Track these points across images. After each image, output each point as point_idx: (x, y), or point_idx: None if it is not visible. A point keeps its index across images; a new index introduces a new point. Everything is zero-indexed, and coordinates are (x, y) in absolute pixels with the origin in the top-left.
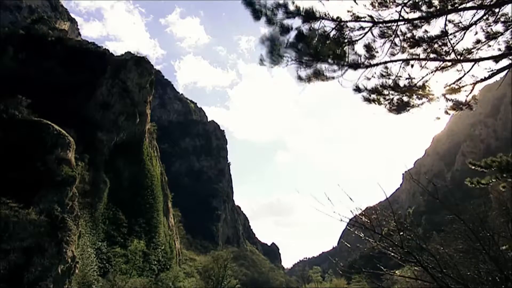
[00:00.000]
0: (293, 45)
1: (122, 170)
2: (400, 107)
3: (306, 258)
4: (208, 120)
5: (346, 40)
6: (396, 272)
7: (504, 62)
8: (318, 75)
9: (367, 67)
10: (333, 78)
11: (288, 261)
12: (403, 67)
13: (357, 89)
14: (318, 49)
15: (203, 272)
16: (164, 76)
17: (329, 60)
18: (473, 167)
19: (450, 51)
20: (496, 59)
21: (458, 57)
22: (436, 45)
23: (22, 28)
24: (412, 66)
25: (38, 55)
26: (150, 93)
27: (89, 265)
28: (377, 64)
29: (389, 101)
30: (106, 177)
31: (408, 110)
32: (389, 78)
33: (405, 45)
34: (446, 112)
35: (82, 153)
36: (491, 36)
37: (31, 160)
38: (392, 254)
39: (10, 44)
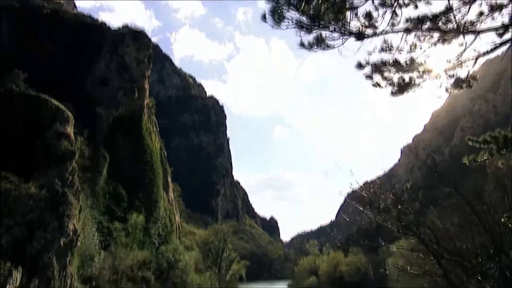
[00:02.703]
0: (295, 5)
1: (122, 145)
2: (402, 88)
3: (304, 231)
4: (207, 95)
5: (347, 5)
6: (393, 245)
7: (507, 36)
8: (319, 42)
9: (368, 36)
10: (334, 46)
11: (286, 234)
12: (405, 40)
13: (360, 66)
14: (319, 11)
15: (203, 246)
16: (162, 51)
17: (330, 27)
18: (471, 143)
19: (453, 24)
20: (499, 30)
21: (461, 28)
22: (440, 21)
23: (16, 1)
24: (413, 37)
25: (33, 29)
26: (148, 68)
27: (90, 238)
28: (378, 34)
29: (390, 82)
30: (106, 152)
31: (410, 90)
32: (390, 53)
33: (407, 16)
34: (447, 90)
35: (81, 128)
36: (495, 8)
37: (30, 135)
38: (390, 227)
39: (5, 16)
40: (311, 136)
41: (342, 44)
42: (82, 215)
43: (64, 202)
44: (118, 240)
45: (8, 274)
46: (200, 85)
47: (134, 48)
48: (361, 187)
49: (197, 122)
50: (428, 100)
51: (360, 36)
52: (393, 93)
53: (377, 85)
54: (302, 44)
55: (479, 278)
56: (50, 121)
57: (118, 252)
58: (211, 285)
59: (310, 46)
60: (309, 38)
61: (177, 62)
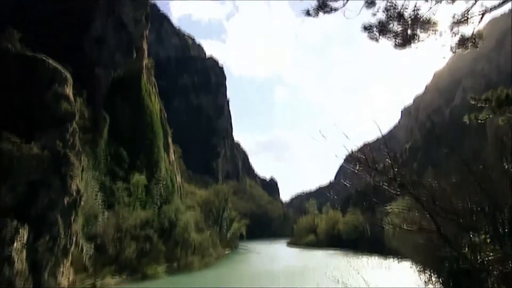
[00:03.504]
0: None
1: (121, 107)
2: (405, 41)
3: (303, 192)
4: (207, 56)
5: None
6: (390, 205)
7: None
8: (323, 6)
9: None
10: (337, 9)
11: (286, 194)
12: None
13: (364, 28)
14: None
15: (204, 205)
16: (159, 9)
17: None
18: (473, 102)
19: None
20: None
21: None
22: None
23: None
24: None
25: None
26: (146, 27)
27: (93, 198)
28: None
29: (394, 35)
30: (106, 113)
31: (413, 43)
32: (394, 11)
33: None
34: (451, 49)
35: (79, 90)
36: None
37: (28, 96)
38: (387, 188)
39: None
40: (311, 97)
41: (344, 5)
42: (84, 175)
43: (66, 163)
44: (121, 200)
45: (14, 232)
46: (199, 46)
47: (131, 6)
48: (359, 149)
49: (196, 83)
50: (431, 60)
51: None
52: (397, 46)
53: (379, 35)
54: (308, 13)
55: (473, 234)
56: (48, 81)
57: (121, 211)
58: (212, 243)
59: (316, 12)
60: (312, 3)
61: (175, 22)
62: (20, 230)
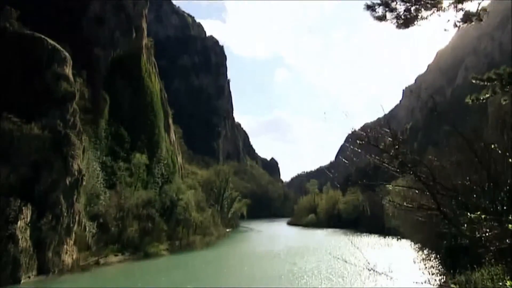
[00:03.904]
0: None
1: (121, 87)
2: (408, 20)
3: (304, 172)
4: (207, 36)
5: None
6: (390, 184)
7: None
8: None
9: None
10: None
11: (286, 175)
12: None
13: (367, 7)
14: None
15: (205, 185)
16: None
17: None
18: (475, 81)
19: None
20: None
21: None
22: None
23: None
24: None
25: None
26: (145, 6)
27: (95, 178)
28: None
29: (396, 14)
30: (106, 94)
31: (416, 22)
32: None
33: None
34: (455, 25)
35: (79, 70)
36: None
37: (27, 76)
38: (387, 166)
39: None
40: (312, 78)
41: None
42: (86, 155)
43: (67, 143)
44: (122, 179)
45: (18, 211)
46: (199, 25)
47: None
48: (360, 128)
49: (197, 63)
50: (433, 40)
51: None
52: (399, 26)
53: (382, 17)
54: None
55: (472, 211)
56: (47, 61)
57: (123, 191)
58: (213, 222)
59: None
60: None
61: (174, 0)
62: (24, 209)
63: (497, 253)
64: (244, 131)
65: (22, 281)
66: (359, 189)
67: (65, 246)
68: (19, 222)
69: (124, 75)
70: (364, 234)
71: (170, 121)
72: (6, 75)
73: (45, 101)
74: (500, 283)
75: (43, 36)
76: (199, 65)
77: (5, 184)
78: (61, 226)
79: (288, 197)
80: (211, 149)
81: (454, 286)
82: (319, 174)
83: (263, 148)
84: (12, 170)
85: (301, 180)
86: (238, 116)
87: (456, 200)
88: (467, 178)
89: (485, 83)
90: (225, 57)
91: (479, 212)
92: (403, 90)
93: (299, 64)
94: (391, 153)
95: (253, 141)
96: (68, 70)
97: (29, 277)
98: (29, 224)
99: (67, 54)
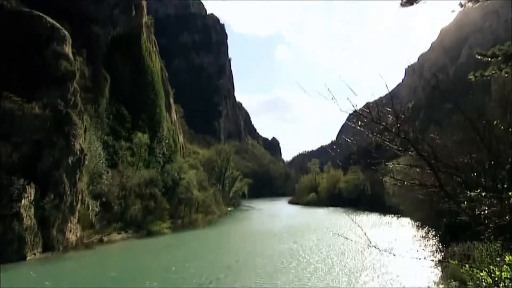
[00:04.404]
0: None
1: (122, 66)
2: None
3: (305, 151)
4: (207, 14)
5: None
6: (391, 162)
7: None
8: None
9: None
10: None
11: (288, 154)
12: None
13: None
14: None
15: (207, 165)
16: None
17: None
18: (479, 57)
19: None
20: None
21: None
22: None
23: None
24: None
25: None
26: None
27: (97, 157)
28: None
29: None
30: (106, 73)
31: (420, 0)
32: None
33: None
34: (461, 5)
35: (79, 48)
36: None
37: (27, 54)
38: (389, 145)
39: None
40: (313, 56)
41: None
42: (87, 135)
43: (69, 122)
44: (124, 159)
45: (22, 189)
46: (199, 3)
47: None
48: (362, 107)
49: (197, 41)
50: (437, 18)
51: None
52: (403, 4)
53: None
54: None
55: (472, 189)
56: (47, 40)
57: (125, 170)
58: (215, 201)
59: None
60: None
61: None
62: (27, 188)
63: (496, 230)
64: (245, 111)
65: (27, 258)
66: (360, 168)
67: (69, 224)
68: (23, 201)
69: (124, 54)
70: (365, 212)
71: (171, 100)
72: (5, 54)
73: (45, 80)
74: (498, 259)
75: (41, 14)
76: (200, 44)
77: (7, 163)
78: (64, 204)
79: (289, 176)
80: (212, 128)
81: (452, 261)
82: (320, 153)
83: (264, 127)
84: (14, 149)
85: (302, 159)
86: (239, 95)
87: (458, 178)
88: (469, 156)
89: (490, 59)
90: (225, 36)
91: (479, 190)
92: (406, 68)
93: (301, 42)
94: (393, 131)
95: (254, 121)
96: (68, 49)
97: (34, 254)
98: (33, 203)
99: (66, 32)
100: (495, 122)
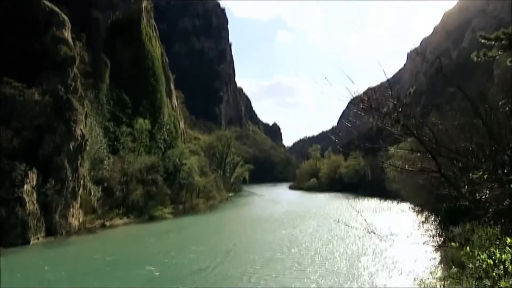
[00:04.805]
0: None
1: (122, 51)
2: None
3: (306, 137)
4: None
5: None
6: (392, 148)
7: None
8: None
9: None
10: None
11: (288, 139)
12: None
13: None
14: None
15: (208, 150)
16: None
17: None
18: (483, 41)
19: None
20: None
21: None
22: None
23: None
24: None
25: None
26: None
27: (98, 143)
28: None
29: None
30: (106, 58)
31: None
32: None
33: None
34: None
35: (78, 33)
36: None
37: (26, 40)
38: (390, 130)
39: None
40: (314, 41)
41: None
42: (88, 121)
43: (70, 108)
44: (125, 145)
45: (24, 174)
46: None
47: None
48: (363, 92)
49: (198, 26)
50: (441, 1)
51: None
52: None
53: None
54: None
55: (472, 173)
56: (45, 24)
57: (126, 156)
58: (216, 186)
59: None
60: None
61: None
62: (29, 173)
63: (495, 214)
64: (246, 96)
65: (31, 242)
66: (361, 154)
67: (71, 209)
68: (25, 186)
69: (124, 39)
70: (365, 197)
71: (172, 86)
72: (4, 40)
73: (45, 66)
74: (498, 242)
75: None
76: (200, 29)
77: (8, 148)
78: (66, 190)
79: (290, 161)
80: (213, 114)
81: (454, 244)
82: (321, 139)
83: (265, 113)
84: (15, 134)
85: (303, 144)
86: (239, 80)
87: (458, 162)
88: (469, 141)
89: (493, 42)
90: (226, 20)
91: (481, 172)
92: (408, 53)
93: (302, 27)
94: (393, 116)
95: (255, 106)
96: (67, 34)
97: (38, 238)
98: (35, 188)
99: (65, 16)
100: (499, 106)
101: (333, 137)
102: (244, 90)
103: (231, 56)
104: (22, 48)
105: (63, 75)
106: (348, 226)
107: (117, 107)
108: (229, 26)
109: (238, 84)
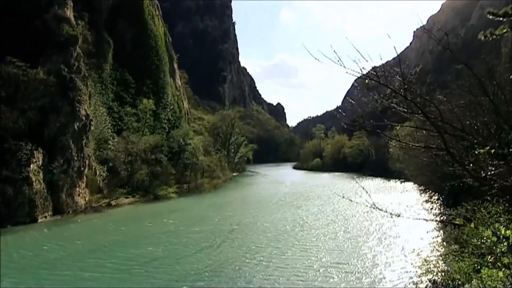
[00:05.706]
0: None
1: (124, 31)
2: None
3: (310, 117)
4: None
5: None
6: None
7: None
8: None
9: None
10: None
11: (293, 119)
12: None
13: None
14: None
15: (212, 130)
16: None
17: None
18: (491, 17)
19: None
20: None
21: None
22: None
23: None
24: None
25: None
26: None
27: (103, 123)
28: None
29: None
30: (109, 37)
31: None
32: None
33: None
34: None
35: (80, 12)
36: None
37: (27, 19)
38: (396, 108)
39: None
40: (319, 18)
41: None
42: (92, 101)
43: (73, 88)
44: (130, 125)
45: (30, 154)
46: None
47: None
48: (369, 70)
49: (201, 5)
50: None
51: None
52: None
53: None
54: None
55: (478, 150)
56: (46, 3)
57: (130, 136)
58: (220, 166)
59: None
60: None
61: None
62: (35, 153)
63: (500, 190)
64: (250, 76)
65: (39, 220)
66: (365, 134)
67: (77, 189)
68: (31, 165)
69: (126, 18)
70: (369, 177)
71: (175, 65)
72: (5, 19)
73: (47, 45)
74: (501, 219)
75: None
76: (203, 7)
77: (14, 128)
78: (72, 169)
79: (294, 141)
80: (217, 94)
81: (458, 220)
82: (325, 119)
83: (269, 93)
84: (20, 115)
85: (307, 124)
86: (243, 60)
87: (463, 139)
88: (475, 119)
89: (502, 18)
90: None
91: (487, 148)
92: (414, 31)
93: (306, 3)
94: (400, 93)
95: (259, 86)
96: (69, 13)
97: (45, 216)
98: (41, 168)
99: None
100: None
101: (338, 114)
102: (247, 70)
103: (235, 35)
104: (24, 28)
105: (66, 55)
106: (352, 201)
107: (121, 87)
108: (232, 3)
109: (243, 64)
